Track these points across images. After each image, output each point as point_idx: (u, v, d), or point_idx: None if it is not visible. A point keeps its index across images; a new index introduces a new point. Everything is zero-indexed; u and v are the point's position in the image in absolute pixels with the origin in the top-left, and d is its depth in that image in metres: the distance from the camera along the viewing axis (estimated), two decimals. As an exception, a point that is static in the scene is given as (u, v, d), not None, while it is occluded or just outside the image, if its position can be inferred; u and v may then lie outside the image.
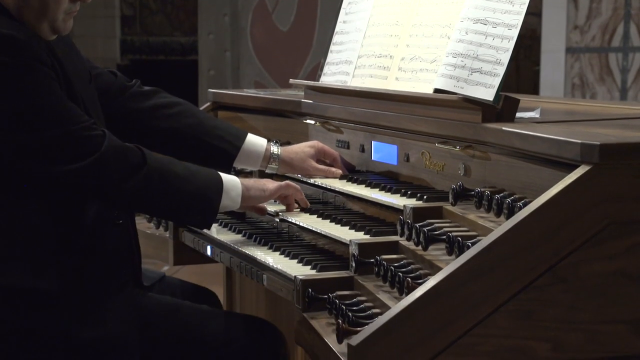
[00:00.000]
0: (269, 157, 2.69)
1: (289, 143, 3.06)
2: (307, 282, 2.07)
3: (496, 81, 2.17)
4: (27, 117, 2.11)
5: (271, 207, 2.64)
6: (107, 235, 2.28)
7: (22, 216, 2.18)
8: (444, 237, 1.94)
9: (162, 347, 2.32)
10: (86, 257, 2.23)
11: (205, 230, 2.70)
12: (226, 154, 2.67)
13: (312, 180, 2.69)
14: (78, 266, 2.21)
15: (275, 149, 2.71)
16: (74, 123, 2.15)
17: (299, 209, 2.56)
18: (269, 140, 2.79)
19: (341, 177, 2.67)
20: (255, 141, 2.71)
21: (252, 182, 2.49)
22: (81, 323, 2.18)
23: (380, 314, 1.81)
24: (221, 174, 2.39)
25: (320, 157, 2.74)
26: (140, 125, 2.65)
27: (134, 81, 2.72)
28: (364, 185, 2.52)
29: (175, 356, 2.34)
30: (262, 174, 2.79)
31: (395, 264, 2.00)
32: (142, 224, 2.99)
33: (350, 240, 2.17)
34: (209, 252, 2.70)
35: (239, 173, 2.93)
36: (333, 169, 2.70)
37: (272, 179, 2.77)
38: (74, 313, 2.18)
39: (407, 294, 1.75)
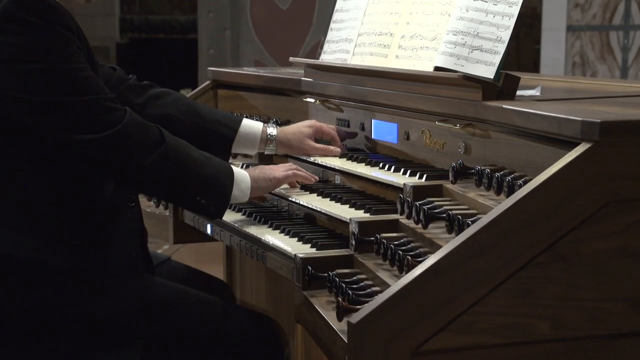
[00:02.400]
0: (266, 139, 2.69)
1: (288, 121, 3.06)
2: (307, 261, 2.07)
3: (497, 59, 2.17)
4: (54, 81, 2.10)
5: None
6: (120, 216, 2.29)
7: (39, 190, 2.18)
8: (444, 215, 1.94)
9: (163, 332, 2.31)
10: (99, 236, 2.24)
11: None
12: (224, 137, 2.68)
13: (312, 159, 2.68)
14: (91, 244, 2.22)
15: (271, 130, 2.71)
16: (98, 92, 2.15)
17: (298, 187, 2.56)
18: (265, 122, 2.78)
19: (341, 156, 2.67)
20: (251, 124, 2.71)
21: (257, 172, 2.46)
22: (92, 300, 2.18)
23: (380, 292, 1.81)
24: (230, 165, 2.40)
25: (319, 136, 2.73)
26: (138, 113, 2.66)
27: (130, 76, 2.73)
28: (364, 164, 2.52)
29: (175, 341, 2.33)
30: (263, 156, 2.79)
31: (395, 242, 2.00)
32: (142, 202, 2.99)
33: (350, 219, 2.17)
34: (209, 231, 2.70)
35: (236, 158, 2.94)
36: (331, 148, 2.69)
37: (272, 159, 2.77)
38: (85, 290, 2.19)
39: (407, 272, 1.75)
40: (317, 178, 2.56)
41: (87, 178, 2.23)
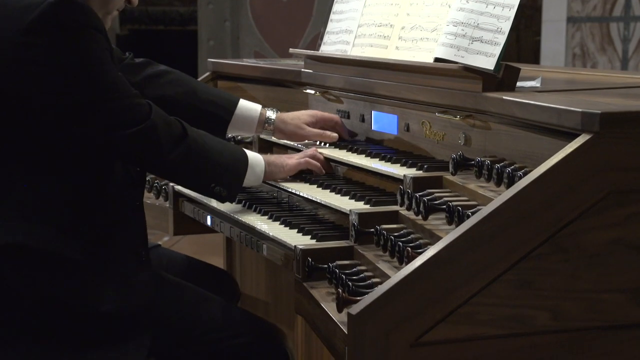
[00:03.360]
0: (263, 121, 2.70)
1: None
2: (307, 252, 2.07)
3: (497, 50, 2.16)
4: (85, 82, 2.12)
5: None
6: (128, 209, 2.29)
7: (54, 184, 2.18)
8: (444, 206, 1.94)
9: (168, 330, 2.30)
10: (110, 228, 2.24)
11: (205, 200, 2.70)
12: (220, 119, 2.68)
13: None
14: (103, 236, 2.22)
15: (270, 113, 2.72)
16: (126, 91, 2.18)
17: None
18: (264, 106, 2.78)
19: (341, 147, 2.66)
20: (248, 106, 2.71)
21: (273, 157, 2.52)
22: (100, 295, 2.18)
23: (380, 283, 1.81)
24: (245, 150, 2.42)
25: (322, 125, 2.73)
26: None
27: (127, 54, 2.73)
28: (364, 155, 2.52)
29: (176, 338, 2.32)
30: (262, 144, 2.78)
31: (395, 234, 2.00)
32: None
33: (350, 210, 2.17)
34: (209, 222, 2.70)
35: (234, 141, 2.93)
36: (328, 133, 2.69)
37: (272, 149, 2.77)
38: (96, 281, 2.18)
39: (407, 264, 1.75)
40: (324, 171, 2.57)
41: (100, 172, 2.24)
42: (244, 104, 2.71)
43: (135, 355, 2.20)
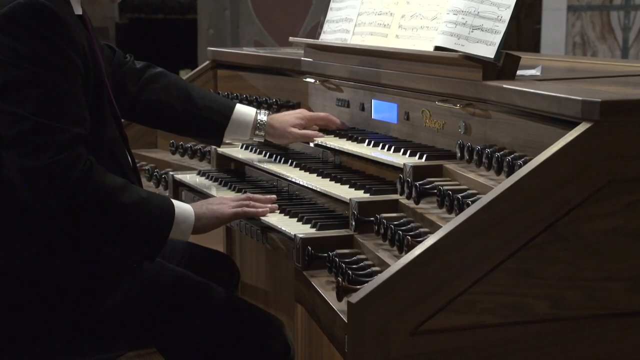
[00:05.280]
0: (256, 125, 2.70)
1: (288, 102, 3.05)
2: (307, 241, 2.07)
3: (497, 38, 2.16)
4: (32, 95, 2.03)
5: (272, 167, 2.64)
6: None
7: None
8: (444, 195, 1.94)
9: (169, 326, 2.29)
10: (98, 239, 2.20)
11: (205, 189, 2.70)
12: (216, 125, 2.67)
13: (312, 144, 2.68)
14: (90, 249, 2.19)
15: (262, 116, 2.71)
16: (65, 124, 2.04)
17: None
18: (265, 103, 2.77)
19: (341, 136, 2.66)
20: (244, 111, 2.71)
21: (204, 209, 2.30)
22: (97, 295, 2.17)
23: (380, 272, 1.82)
24: (174, 202, 2.23)
25: (312, 124, 2.74)
26: (133, 98, 2.65)
27: (128, 56, 2.72)
28: (364, 144, 2.51)
29: (175, 330, 2.32)
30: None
31: (395, 222, 2.00)
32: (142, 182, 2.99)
33: (350, 199, 2.17)
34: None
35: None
36: (310, 132, 2.70)
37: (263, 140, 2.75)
38: (92, 286, 2.17)
39: (406, 252, 1.75)
40: (273, 207, 2.36)
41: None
42: (240, 109, 2.70)
43: (128, 347, 2.20)
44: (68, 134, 2.05)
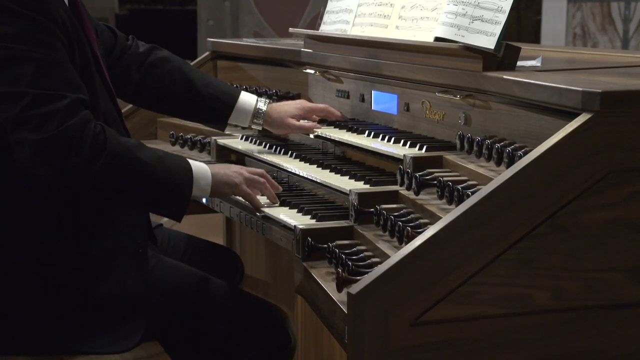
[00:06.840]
0: (255, 113, 2.71)
1: (288, 93, 3.05)
2: (306, 232, 2.07)
3: (497, 29, 2.16)
4: (20, 70, 2.03)
5: (272, 158, 2.64)
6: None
7: (37, 185, 2.13)
8: (444, 186, 1.94)
9: (168, 318, 2.30)
10: (100, 224, 2.21)
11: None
12: (220, 114, 2.69)
13: (312, 136, 2.68)
14: (92, 234, 2.19)
15: (262, 105, 2.72)
16: (60, 89, 2.05)
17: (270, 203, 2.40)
18: (265, 93, 2.76)
19: (341, 127, 2.66)
20: (247, 99, 2.72)
21: (220, 169, 2.32)
22: (97, 282, 2.17)
23: (380, 263, 1.82)
24: (190, 161, 2.25)
25: (311, 116, 2.74)
26: (137, 84, 2.64)
27: (130, 38, 2.70)
28: (364, 135, 2.51)
29: (176, 322, 2.32)
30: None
31: (395, 214, 2.00)
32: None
33: (350, 190, 2.16)
34: (208, 201, 2.70)
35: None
36: (307, 124, 2.70)
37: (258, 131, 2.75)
38: (90, 272, 2.17)
39: (406, 243, 1.75)
40: (274, 201, 2.36)
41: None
42: (243, 98, 2.71)
43: (131, 338, 2.20)
44: (67, 99, 2.05)
